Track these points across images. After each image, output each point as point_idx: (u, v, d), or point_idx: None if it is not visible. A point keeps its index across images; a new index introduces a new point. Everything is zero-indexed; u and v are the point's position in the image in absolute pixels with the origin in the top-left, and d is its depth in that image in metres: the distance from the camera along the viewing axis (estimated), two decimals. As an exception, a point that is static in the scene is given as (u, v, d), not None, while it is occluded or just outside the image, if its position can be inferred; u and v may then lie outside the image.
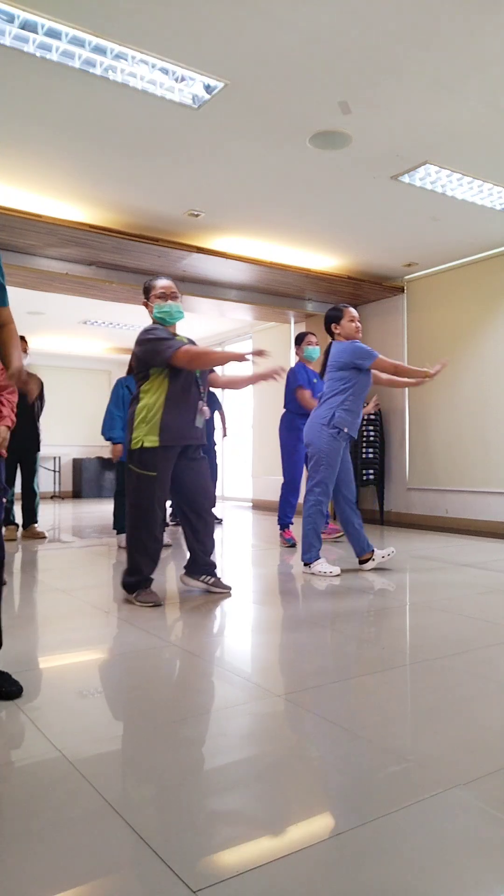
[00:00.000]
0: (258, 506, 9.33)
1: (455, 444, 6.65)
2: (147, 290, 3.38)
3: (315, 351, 5.53)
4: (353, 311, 4.17)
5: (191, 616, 3.10)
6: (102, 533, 6.49)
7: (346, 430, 4.04)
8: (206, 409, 3.36)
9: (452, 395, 6.70)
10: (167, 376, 3.25)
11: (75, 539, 6.12)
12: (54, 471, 11.80)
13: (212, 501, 3.51)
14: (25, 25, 3.01)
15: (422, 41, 3.14)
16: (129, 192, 4.92)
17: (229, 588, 3.54)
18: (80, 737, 1.77)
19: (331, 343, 4.20)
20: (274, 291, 7.25)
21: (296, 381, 5.43)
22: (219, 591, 3.50)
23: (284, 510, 5.51)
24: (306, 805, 1.42)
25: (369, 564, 4.22)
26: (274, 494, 8.21)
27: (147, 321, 3.36)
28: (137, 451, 3.23)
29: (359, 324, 4.16)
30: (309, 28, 3.04)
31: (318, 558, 4.12)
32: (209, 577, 3.51)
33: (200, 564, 3.52)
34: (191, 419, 3.31)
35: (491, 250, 6.27)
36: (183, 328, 9.27)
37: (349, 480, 4.20)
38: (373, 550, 4.24)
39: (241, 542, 5.97)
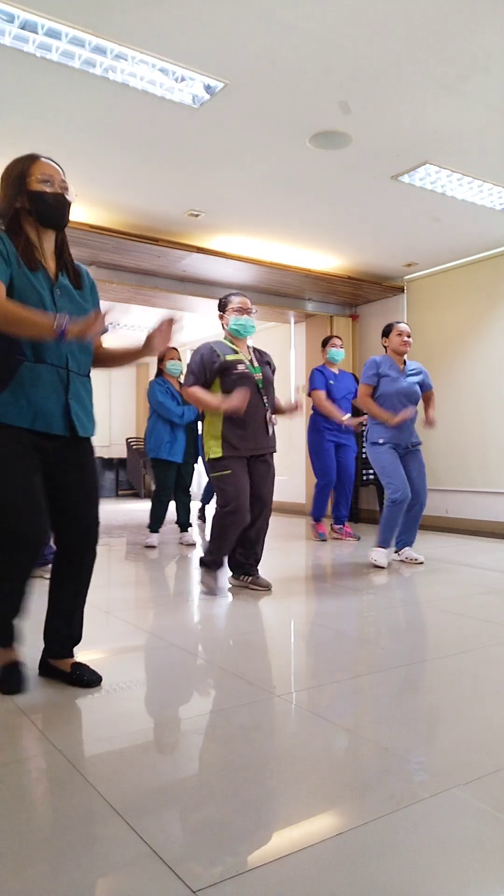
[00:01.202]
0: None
1: (455, 444, 6.65)
2: (224, 305, 3.61)
3: (338, 353, 5.70)
4: (403, 326, 4.45)
5: (191, 616, 3.10)
6: (103, 533, 6.48)
7: (381, 441, 4.29)
8: (274, 417, 3.52)
9: (452, 394, 6.70)
10: (221, 391, 3.45)
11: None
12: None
13: (264, 507, 3.59)
14: (25, 25, 3.01)
15: (422, 41, 3.14)
16: (129, 192, 4.91)
17: (268, 586, 3.60)
18: (80, 737, 1.77)
19: None
20: (274, 291, 7.24)
21: (310, 385, 5.61)
22: (256, 588, 3.59)
23: (316, 504, 5.71)
24: (306, 805, 1.42)
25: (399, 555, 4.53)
26: (277, 494, 8.25)
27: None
28: (210, 462, 3.50)
29: (407, 338, 4.41)
30: (309, 28, 3.04)
31: (384, 549, 4.30)
32: (246, 577, 3.63)
33: (238, 564, 3.66)
34: (255, 429, 3.47)
35: (491, 250, 6.27)
36: (184, 329, 9.30)
37: (416, 486, 4.35)
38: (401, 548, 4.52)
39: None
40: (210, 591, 3.50)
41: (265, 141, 4.12)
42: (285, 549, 5.31)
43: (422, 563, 4.43)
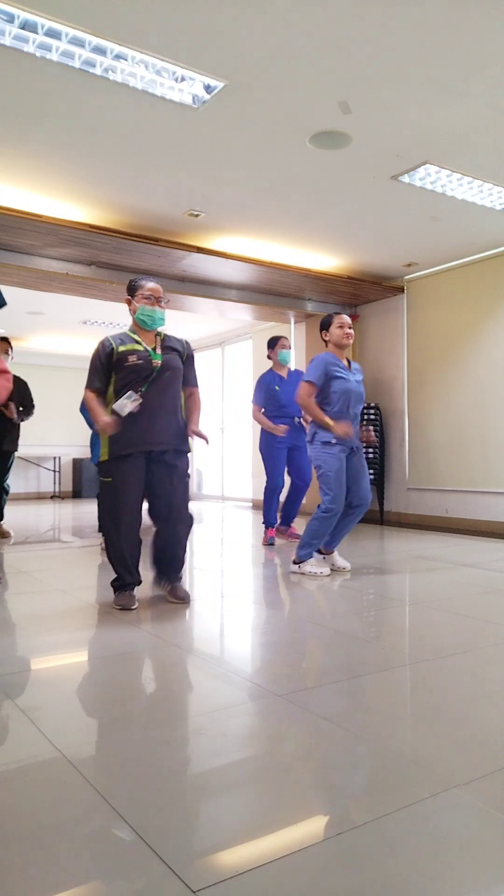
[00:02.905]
0: (258, 506, 9.32)
1: (455, 444, 6.65)
2: (132, 289, 3.29)
3: (287, 354, 5.52)
4: (344, 317, 4.11)
5: (190, 616, 3.10)
6: (100, 533, 6.48)
7: (333, 441, 3.95)
8: (132, 403, 3.11)
9: (452, 395, 6.70)
10: (114, 385, 3.21)
11: (75, 539, 6.12)
12: (54, 471, 11.80)
13: (170, 512, 3.26)
14: (25, 25, 3.01)
15: (422, 41, 3.13)
16: (129, 191, 4.91)
17: (184, 598, 3.33)
18: (80, 737, 1.77)
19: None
20: (274, 291, 7.25)
21: (254, 396, 5.52)
22: (172, 600, 3.33)
23: (265, 509, 5.55)
24: (306, 805, 1.42)
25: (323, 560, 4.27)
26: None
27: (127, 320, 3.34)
28: (101, 464, 3.24)
29: (349, 330, 4.08)
30: (309, 28, 3.04)
31: (311, 558, 4.14)
32: (167, 584, 3.39)
33: (158, 571, 3.43)
34: (149, 422, 3.16)
35: (491, 250, 6.27)
36: (184, 329, 9.30)
37: (362, 487, 4.08)
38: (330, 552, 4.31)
39: (240, 542, 5.96)
40: (124, 606, 3.17)
41: (265, 141, 4.12)
42: (273, 549, 5.31)
43: (349, 570, 4.21)
